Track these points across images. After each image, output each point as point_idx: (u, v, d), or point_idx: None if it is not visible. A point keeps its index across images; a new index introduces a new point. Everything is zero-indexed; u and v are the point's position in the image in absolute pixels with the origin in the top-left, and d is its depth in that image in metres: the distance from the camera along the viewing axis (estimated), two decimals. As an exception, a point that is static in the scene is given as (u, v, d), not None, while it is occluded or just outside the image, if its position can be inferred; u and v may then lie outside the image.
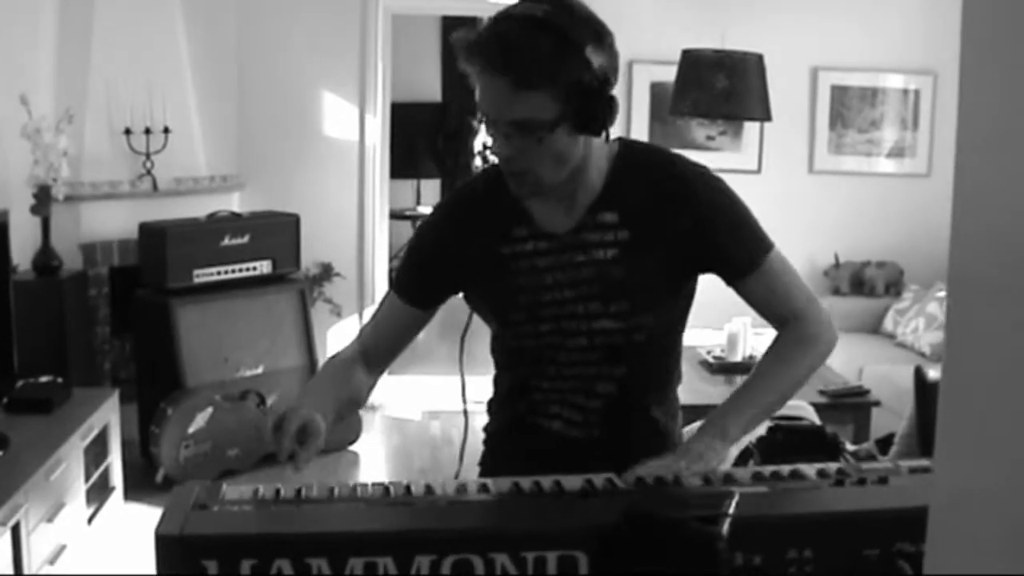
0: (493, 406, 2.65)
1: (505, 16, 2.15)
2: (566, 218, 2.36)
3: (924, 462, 2.17)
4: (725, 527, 1.64)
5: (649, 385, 2.46)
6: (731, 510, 1.69)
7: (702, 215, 2.33)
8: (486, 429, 2.69)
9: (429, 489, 2.00)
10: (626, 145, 2.40)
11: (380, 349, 2.58)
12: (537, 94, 2.13)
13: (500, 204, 2.37)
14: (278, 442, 2.11)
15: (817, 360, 2.47)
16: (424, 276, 2.52)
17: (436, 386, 8.03)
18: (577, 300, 2.36)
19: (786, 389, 2.42)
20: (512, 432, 2.53)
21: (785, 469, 2.12)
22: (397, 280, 2.56)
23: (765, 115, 6.42)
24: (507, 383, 2.55)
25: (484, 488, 2.01)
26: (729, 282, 2.41)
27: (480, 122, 2.29)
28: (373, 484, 2.00)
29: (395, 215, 9.87)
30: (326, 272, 7.72)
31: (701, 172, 2.39)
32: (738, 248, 2.37)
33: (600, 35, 2.18)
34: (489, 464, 2.61)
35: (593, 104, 2.18)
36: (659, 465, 2.15)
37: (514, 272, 2.39)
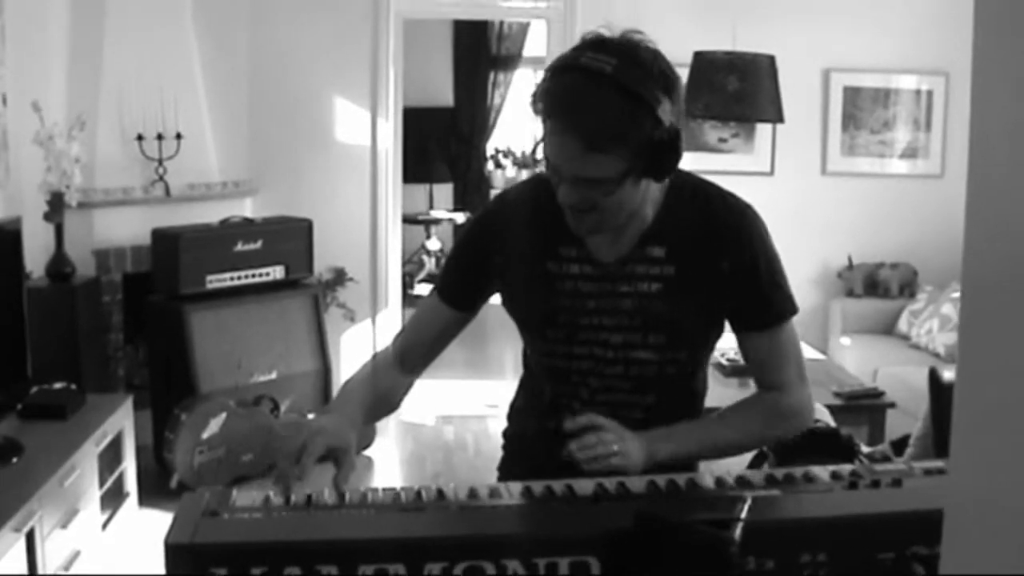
0: (515, 412, 2.65)
1: (573, 67, 2.11)
2: (615, 247, 2.36)
3: (938, 464, 2.16)
4: (738, 532, 1.63)
5: (675, 413, 2.44)
6: (744, 514, 1.68)
7: (743, 262, 2.32)
8: (505, 434, 2.68)
9: (440, 494, 1.99)
10: (680, 177, 2.34)
11: (418, 350, 2.57)
12: (607, 156, 2.12)
13: (551, 218, 2.33)
14: (289, 468, 2.09)
15: (779, 435, 2.53)
16: (467, 278, 2.52)
17: (450, 391, 8.02)
18: (616, 329, 2.36)
19: (733, 447, 2.44)
20: (536, 441, 2.50)
21: (798, 472, 2.11)
22: (441, 288, 2.55)
23: (777, 117, 6.40)
24: (536, 394, 2.54)
25: (495, 493, 2.01)
26: (738, 331, 2.42)
27: (545, 166, 2.26)
28: (384, 490, 2.00)
29: (408, 220, 9.88)
30: (339, 277, 7.72)
31: (752, 219, 2.37)
32: (764, 303, 2.37)
33: (669, 87, 2.14)
34: (508, 468, 2.61)
35: (661, 158, 2.16)
36: (597, 443, 2.19)
37: (557, 292, 2.39)
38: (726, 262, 2.31)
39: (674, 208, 2.34)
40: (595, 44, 2.12)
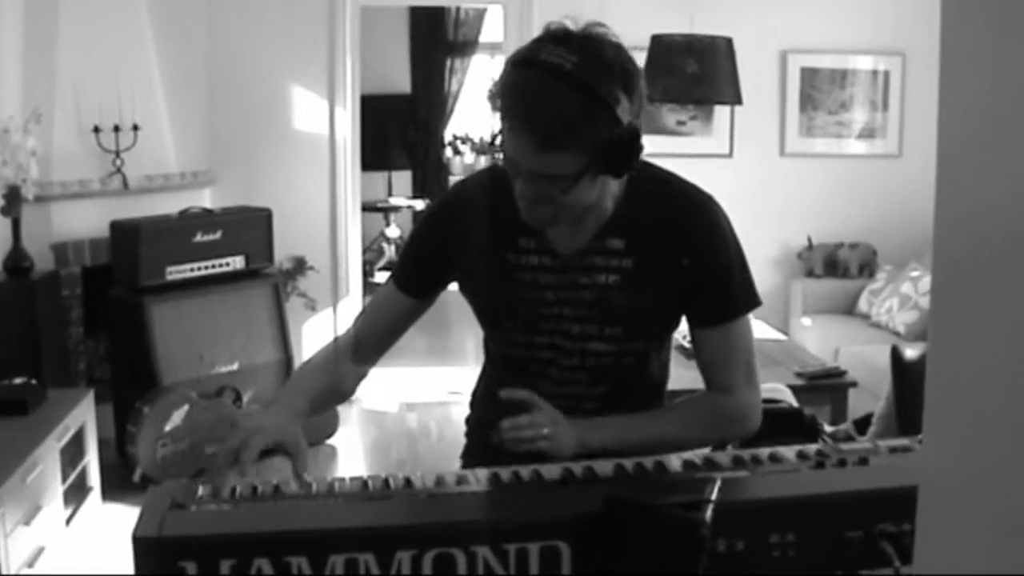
0: (477, 400, 2.64)
1: (532, 61, 2.08)
2: (574, 239, 2.34)
3: (904, 441, 2.17)
4: (708, 513, 1.63)
5: (630, 403, 2.43)
6: (714, 496, 1.68)
7: (702, 256, 2.32)
8: (468, 421, 2.68)
9: (408, 483, 1.99)
10: (641, 168, 2.27)
11: (374, 338, 2.56)
12: (564, 154, 2.10)
13: (509, 208, 2.31)
14: (226, 467, 2.11)
15: (721, 438, 2.52)
16: (423, 267, 2.51)
17: (413, 378, 8.02)
18: (574, 320, 2.36)
19: (671, 444, 2.36)
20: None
21: (765, 452, 2.12)
22: (398, 276, 2.54)
23: (735, 99, 6.42)
24: (496, 384, 2.53)
25: (463, 480, 2.00)
26: (693, 326, 2.40)
27: (503, 159, 2.22)
28: (351, 479, 1.99)
29: (367, 207, 9.86)
30: (299, 266, 7.69)
31: (713, 212, 2.36)
32: (721, 298, 2.36)
33: (629, 84, 2.11)
34: (472, 455, 2.60)
35: (619, 155, 2.14)
36: (527, 425, 2.20)
37: (516, 283, 2.38)
38: (685, 256, 2.30)
39: (634, 200, 2.33)
40: (557, 38, 2.09)
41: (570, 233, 2.33)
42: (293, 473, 2.10)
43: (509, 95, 2.11)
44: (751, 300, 2.40)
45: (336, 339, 2.60)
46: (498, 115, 2.16)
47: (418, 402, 7.71)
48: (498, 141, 2.19)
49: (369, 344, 2.56)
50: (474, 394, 2.68)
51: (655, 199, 2.34)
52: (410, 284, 2.51)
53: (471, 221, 2.43)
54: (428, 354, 8.29)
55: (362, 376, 2.59)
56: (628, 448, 2.28)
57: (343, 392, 2.55)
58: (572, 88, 2.04)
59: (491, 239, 2.40)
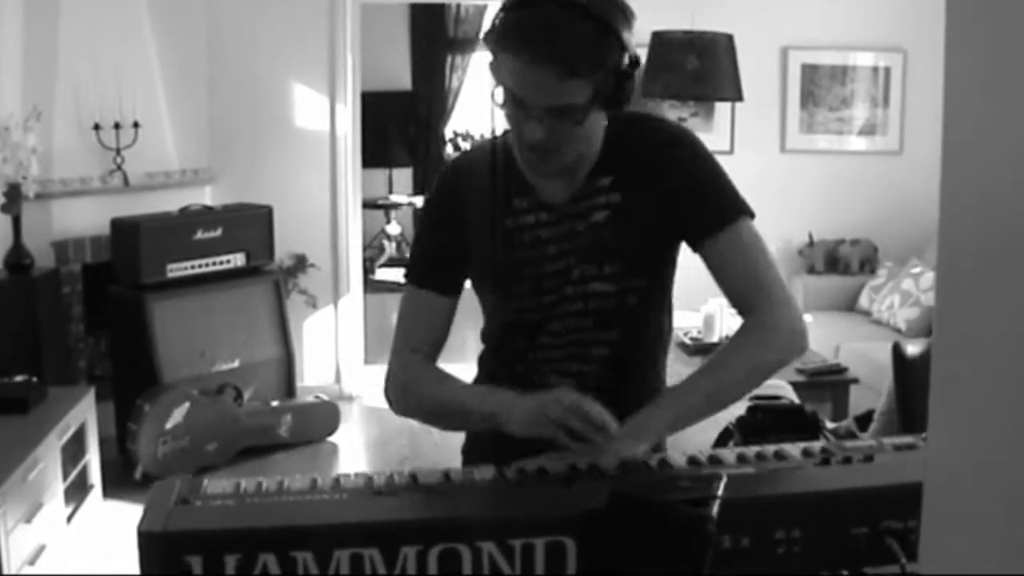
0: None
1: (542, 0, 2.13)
2: (565, 187, 2.36)
3: (909, 439, 2.17)
4: (715, 509, 1.63)
5: (641, 347, 2.44)
6: (720, 492, 1.68)
7: (684, 177, 2.33)
8: None
9: (413, 478, 1.98)
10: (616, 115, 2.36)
11: (428, 350, 2.50)
12: (580, 82, 2.13)
13: (498, 174, 2.37)
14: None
15: (777, 357, 2.36)
16: (445, 260, 2.47)
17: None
18: (574, 266, 2.36)
19: (737, 386, 2.32)
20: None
21: (769, 449, 2.11)
22: (415, 273, 2.50)
23: (736, 95, 6.42)
24: (496, 361, 2.52)
25: (469, 476, 2.00)
26: (698, 245, 2.35)
27: (501, 104, 2.23)
28: (356, 474, 1.99)
29: (368, 204, 9.86)
30: (300, 263, 7.69)
31: (690, 138, 2.40)
32: (713, 203, 2.35)
33: (628, 15, 2.19)
34: (473, 451, 2.59)
35: (624, 86, 2.20)
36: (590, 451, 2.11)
37: (517, 244, 2.38)
38: (668, 181, 2.31)
39: (615, 139, 2.36)
40: None
41: (560, 181, 2.35)
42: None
43: (522, 31, 2.13)
44: (743, 207, 2.37)
45: (405, 363, 2.49)
46: (498, 57, 2.19)
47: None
48: (498, 93, 2.21)
49: (436, 353, 2.51)
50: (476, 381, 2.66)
51: (635, 134, 2.37)
52: (438, 281, 2.47)
53: (463, 195, 2.44)
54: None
55: None
56: (699, 410, 2.27)
57: None
58: (586, 18, 2.10)
59: (485, 207, 2.40)
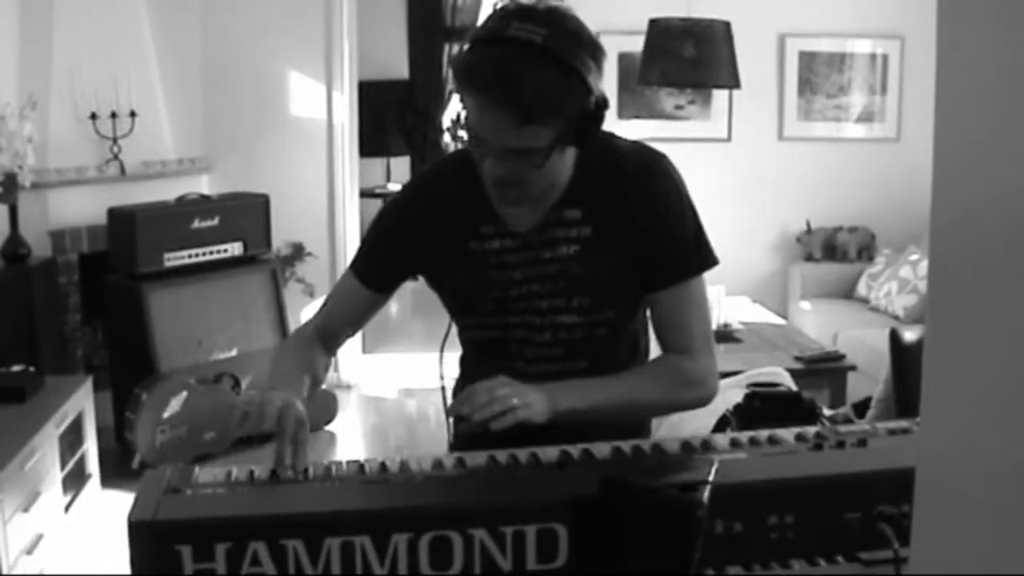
0: (459, 390, 2.63)
1: (502, 38, 2.07)
2: (531, 215, 2.34)
3: (903, 423, 2.17)
4: (705, 495, 1.63)
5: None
6: (711, 477, 1.67)
7: (656, 213, 2.31)
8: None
9: (404, 466, 1.98)
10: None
11: (336, 329, 2.57)
12: (541, 127, 2.10)
13: (467, 196, 2.34)
14: (282, 446, 2.07)
15: (684, 402, 2.45)
16: (385, 261, 2.49)
17: (412, 364, 8.02)
18: (542, 295, 2.36)
19: (640, 406, 2.38)
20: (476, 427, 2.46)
21: (763, 434, 2.11)
22: (357, 262, 2.53)
23: (734, 83, 6.40)
24: (474, 372, 2.52)
25: (460, 463, 2.00)
26: (650, 287, 2.37)
27: (468, 140, 2.22)
28: (348, 462, 1.99)
29: (365, 193, 9.83)
30: (297, 252, 7.68)
31: (664, 169, 2.36)
32: (676, 253, 2.35)
33: (596, 55, 2.14)
34: (459, 448, 2.58)
35: (590, 125, 2.17)
36: (492, 400, 2.12)
37: (484, 267, 2.37)
38: (641, 216, 2.30)
39: (586, 168, 2.32)
40: (520, 14, 2.08)
41: (527, 210, 2.33)
42: (288, 458, 2.08)
43: (480, 73, 2.09)
44: (707, 258, 2.38)
45: (303, 327, 2.60)
46: (462, 95, 2.16)
47: (417, 388, 7.70)
48: (462, 120, 2.20)
49: (333, 335, 2.56)
50: (457, 385, 2.67)
51: (607, 164, 2.33)
52: (372, 279, 2.50)
53: (430, 212, 2.42)
54: (427, 340, 8.28)
55: (328, 365, 2.58)
56: (596, 410, 2.26)
57: (320, 380, 2.52)
58: (547, 61, 2.04)
59: (453, 231, 2.39)
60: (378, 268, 2.50)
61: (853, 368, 5.94)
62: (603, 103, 2.17)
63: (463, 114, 2.20)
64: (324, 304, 2.61)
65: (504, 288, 2.37)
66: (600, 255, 2.32)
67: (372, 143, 10.21)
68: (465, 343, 2.59)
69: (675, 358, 2.39)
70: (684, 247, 2.35)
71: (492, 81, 2.07)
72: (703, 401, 2.44)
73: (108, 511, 5.45)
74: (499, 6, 2.14)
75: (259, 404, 2.15)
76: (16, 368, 5.26)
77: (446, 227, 2.40)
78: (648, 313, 2.46)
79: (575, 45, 2.09)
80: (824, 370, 5.88)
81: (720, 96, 8.12)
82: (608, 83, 7.82)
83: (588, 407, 2.26)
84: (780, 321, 7.02)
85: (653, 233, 2.31)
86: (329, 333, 2.55)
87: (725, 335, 6.38)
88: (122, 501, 5.51)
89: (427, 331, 8.43)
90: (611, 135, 2.36)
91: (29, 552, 4.49)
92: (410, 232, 2.44)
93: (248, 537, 1.66)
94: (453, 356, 2.59)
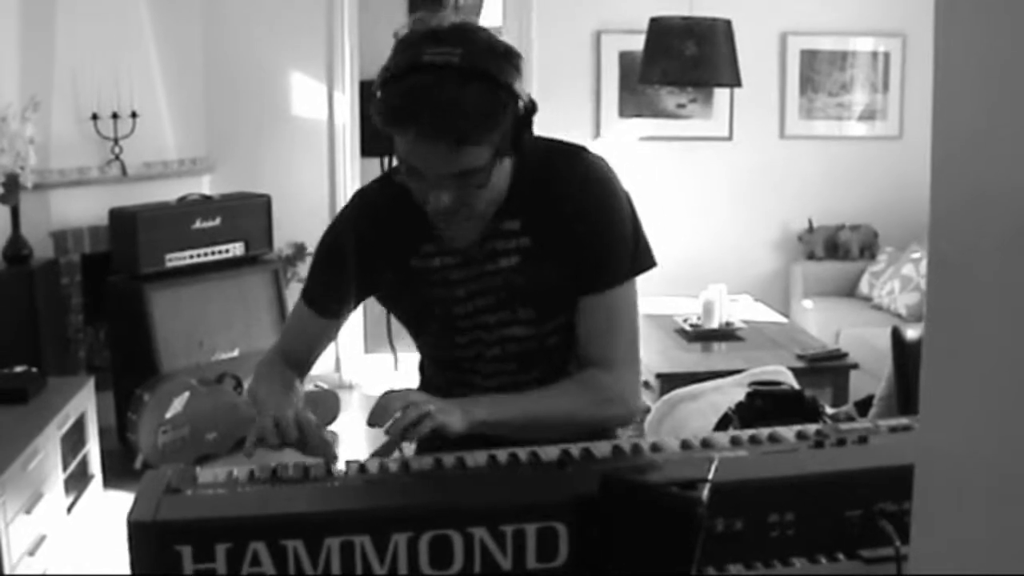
0: None
1: (419, 67, 2.02)
2: (471, 231, 2.28)
3: (904, 421, 2.16)
4: (706, 493, 1.62)
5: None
6: (711, 475, 1.67)
7: (587, 214, 2.27)
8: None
9: (404, 465, 1.98)
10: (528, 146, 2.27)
11: (298, 357, 2.55)
12: (479, 147, 2.07)
13: (405, 215, 2.29)
14: (316, 451, 2.11)
15: (602, 420, 2.36)
16: (332, 288, 2.46)
17: (413, 364, 8.01)
18: (487, 310, 2.34)
19: (555, 422, 2.28)
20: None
21: (763, 432, 2.10)
22: (306, 292, 2.52)
23: (735, 81, 6.39)
24: (432, 384, 2.53)
25: (460, 463, 1.99)
26: (579, 293, 2.33)
27: (405, 177, 2.19)
28: (348, 462, 1.98)
29: (367, 193, 9.82)
30: (299, 252, 7.67)
31: (591, 168, 2.32)
32: (602, 262, 2.31)
33: (514, 61, 2.10)
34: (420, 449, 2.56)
35: (522, 131, 2.13)
36: (406, 407, 2.11)
37: (428, 285, 2.35)
38: (577, 223, 2.26)
39: (523, 178, 2.27)
40: (429, 39, 2.04)
41: (466, 227, 2.26)
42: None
43: (405, 108, 2.03)
44: (643, 262, 2.34)
45: (268, 356, 2.60)
46: (390, 134, 2.12)
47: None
48: (394, 162, 2.17)
49: (295, 362, 2.54)
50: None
51: (542, 172, 2.28)
52: (321, 305, 2.49)
53: (369, 233, 2.39)
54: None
55: (303, 385, 2.54)
56: (511, 424, 2.22)
57: (300, 397, 2.47)
58: (470, 79, 2.01)
59: (394, 250, 2.36)
60: (326, 295, 2.48)
61: (855, 366, 5.94)
62: (532, 107, 2.13)
63: (394, 157, 2.16)
64: (282, 333, 2.63)
65: (449, 305, 2.35)
66: (540, 265, 2.29)
67: (373, 143, 10.09)
68: (423, 358, 2.59)
69: (595, 373, 2.34)
70: (617, 253, 2.31)
71: (421, 112, 2.01)
72: (624, 419, 2.40)
73: (111, 512, 5.45)
74: (401, 36, 2.09)
75: (273, 421, 2.16)
76: (18, 369, 5.26)
77: (387, 247, 2.37)
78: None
79: (492, 56, 2.04)
80: (826, 368, 5.87)
81: (721, 95, 8.12)
82: (609, 82, 7.86)
83: (498, 420, 2.21)
84: (782, 320, 7.01)
85: (587, 240, 2.27)
86: (292, 361, 2.53)
87: (727, 334, 6.38)
88: (124, 502, 5.47)
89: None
90: (548, 140, 2.32)
91: (31, 553, 4.49)
92: (352, 255, 2.39)
93: (248, 537, 1.66)
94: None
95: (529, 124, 2.14)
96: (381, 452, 2.11)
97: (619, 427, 2.43)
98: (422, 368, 2.63)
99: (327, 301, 2.48)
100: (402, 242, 2.35)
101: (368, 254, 2.38)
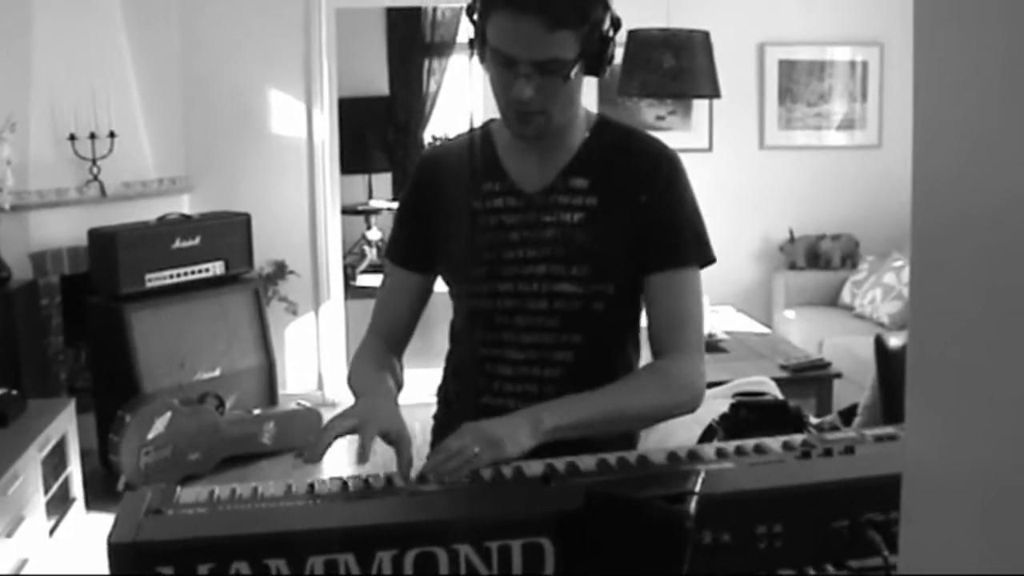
0: (443, 389, 2.62)
1: None
2: (539, 178, 2.39)
3: (889, 430, 2.16)
4: (692, 506, 1.61)
5: (605, 357, 2.43)
6: (698, 488, 1.66)
7: (660, 195, 2.34)
8: (435, 416, 2.66)
9: (388, 482, 1.97)
10: (604, 119, 2.46)
11: (397, 329, 2.57)
12: (567, 33, 2.16)
13: (475, 159, 2.41)
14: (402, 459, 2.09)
15: (675, 408, 2.38)
16: (416, 239, 2.51)
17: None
18: (539, 261, 2.36)
19: (631, 417, 2.33)
20: (463, 412, 2.41)
21: (749, 444, 2.10)
22: (391, 252, 2.56)
23: (714, 92, 6.39)
24: (460, 356, 2.54)
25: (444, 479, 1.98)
26: (648, 271, 2.37)
27: (493, 66, 2.26)
28: (331, 479, 1.97)
29: (347, 211, 9.83)
30: (280, 270, 7.66)
31: (672, 158, 2.40)
32: (675, 238, 2.37)
33: None
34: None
35: (606, 45, 2.24)
36: (448, 456, 2.04)
37: (482, 227, 2.40)
38: (644, 195, 2.33)
39: (597, 142, 2.40)
40: None
41: (535, 171, 2.38)
42: (397, 468, 2.06)
43: None
44: (706, 251, 2.40)
45: (366, 340, 2.60)
46: (481, 20, 2.23)
47: (402, 404, 7.66)
48: (487, 58, 2.26)
49: (395, 332, 2.57)
50: (439, 389, 2.66)
51: (618, 142, 2.41)
52: (407, 258, 2.53)
53: (440, 176, 2.49)
54: (412, 356, 8.22)
55: (402, 367, 2.58)
56: (587, 425, 2.22)
57: (401, 383, 2.53)
58: None
59: (458, 189, 2.43)
60: (413, 248, 2.52)
61: (839, 376, 5.94)
62: (617, 23, 2.26)
63: (488, 41, 2.23)
64: (375, 312, 2.60)
65: (498, 250, 2.38)
66: (604, 226, 2.34)
67: (353, 160, 10.20)
68: (455, 326, 2.58)
69: (665, 361, 2.37)
70: (686, 236, 2.38)
71: None
72: (691, 407, 2.39)
73: (93, 534, 5.42)
74: None
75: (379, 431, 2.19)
76: (-2, 392, 5.24)
77: (453, 189, 2.44)
78: (643, 311, 2.45)
79: None
80: (810, 378, 5.87)
81: (700, 106, 8.12)
82: (588, 95, 7.84)
83: (573, 423, 2.20)
84: (765, 330, 7.01)
85: (656, 213, 2.34)
86: (391, 337, 2.56)
87: (710, 345, 6.35)
88: (107, 524, 5.44)
89: (412, 348, 8.38)
90: (626, 124, 2.49)
91: (13, 577, 4.46)
92: (425, 200, 2.49)
93: (231, 557, 1.64)
94: (430, 372, 2.57)
95: (611, 44, 2.26)
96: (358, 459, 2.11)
97: (685, 414, 2.42)
98: (452, 334, 2.62)
99: (415, 254, 2.52)
100: (468, 183, 2.43)
101: (437, 195, 2.47)
